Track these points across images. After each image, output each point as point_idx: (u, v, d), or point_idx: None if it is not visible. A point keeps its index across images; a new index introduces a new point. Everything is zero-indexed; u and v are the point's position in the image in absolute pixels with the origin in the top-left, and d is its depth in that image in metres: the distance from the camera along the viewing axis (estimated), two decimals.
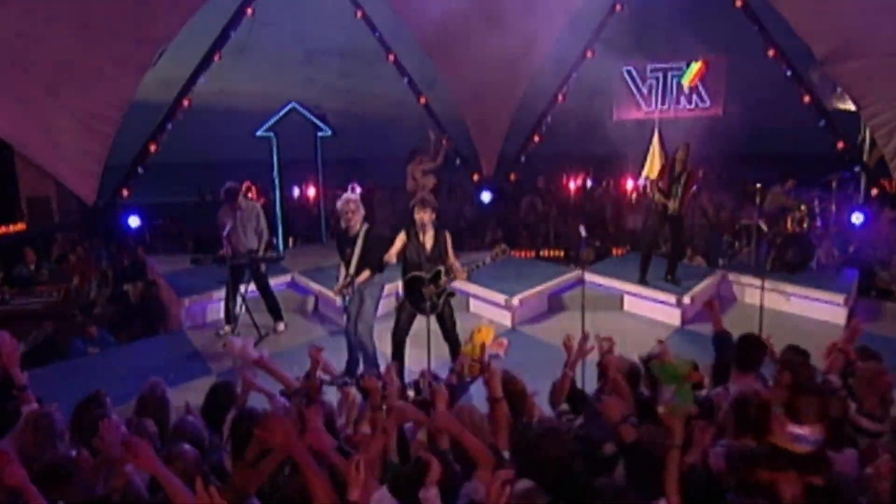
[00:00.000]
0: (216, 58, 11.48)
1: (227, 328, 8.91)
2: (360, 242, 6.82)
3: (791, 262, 9.80)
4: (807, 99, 12.04)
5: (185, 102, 11.50)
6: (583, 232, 6.96)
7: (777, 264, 9.83)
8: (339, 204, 6.87)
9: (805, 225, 9.91)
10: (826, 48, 11.28)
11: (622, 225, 14.25)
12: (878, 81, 11.00)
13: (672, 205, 9.03)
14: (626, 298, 9.53)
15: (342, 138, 13.05)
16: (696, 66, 12.59)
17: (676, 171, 9.09)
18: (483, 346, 5.07)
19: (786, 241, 9.81)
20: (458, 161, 14.62)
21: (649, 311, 9.19)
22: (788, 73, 12.00)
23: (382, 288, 7.13)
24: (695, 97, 12.69)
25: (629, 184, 14.36)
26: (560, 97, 13.89)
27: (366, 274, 6.84)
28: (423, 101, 13.99)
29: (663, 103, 12.95)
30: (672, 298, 8.93)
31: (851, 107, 12.04)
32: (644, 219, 10.46)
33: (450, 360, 6.86)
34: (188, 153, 18.19)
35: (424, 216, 6.68)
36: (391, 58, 13.48)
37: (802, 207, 10.01)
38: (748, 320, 7.74)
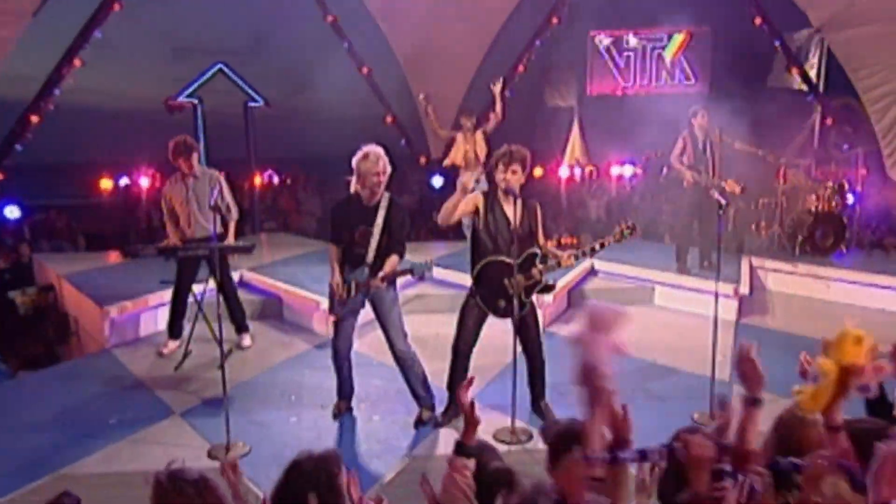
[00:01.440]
0: (78, 55, 9.66)
1: (173, 345, 6.63)
2: (381, 216, 4.83)
3: (821, 244, 8.72)
4: (794, 70, 11.12)
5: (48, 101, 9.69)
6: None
7: (807, 247, 8.73)
8: (357, 161, 4.84)
9: (834, 203, 8.83)
10: (824, 15, 10.39)
11: (573, 212, 12.98)
12: (876, 51, 10.21)
13: (705, 178, 7.76)
14: (659, 290, 8.03)
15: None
16: (678, 39, 11.42)
17: (699, 141, 7.87)
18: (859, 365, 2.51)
19: (816, 221, 8.69)
20: (403, 142, 12.78)
21: (690, 304, 7.74)
22: (777, 43, 11.02)
23: None
24: (678, 72, 11.49)
25: (578, 170, 13.11)
26: (521, 67, 12.31)
27: (394, 261, 4.89)
28: (365, 70, 12.07)
29: (643, 79, 11.67)
30: (725, 289, 7.49)
31: (799, 86, 11.28)
32: (674, 203, 9.01)
33: (528, 388, 5.07)
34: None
35: (511, 177, 4.79)
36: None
37: (830, 184, 8.93)
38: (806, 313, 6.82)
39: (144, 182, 11.33)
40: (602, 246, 4.90)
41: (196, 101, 9.61)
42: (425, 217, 12.64)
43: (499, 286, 4.86)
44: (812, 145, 11.13)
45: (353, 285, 4.90)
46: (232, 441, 4.77)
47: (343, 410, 5.27)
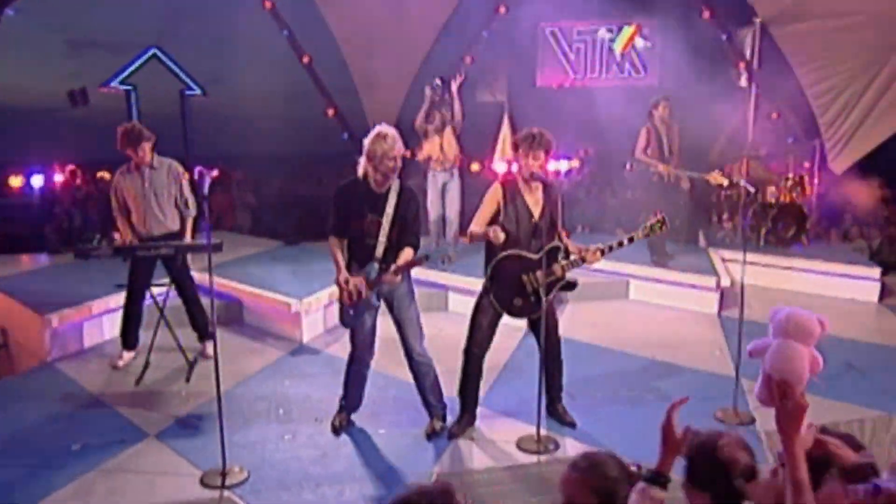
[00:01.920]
0: None
1: (128, 356, 5.93)
2: (392, 204, 4.36)
3: (783, 235, 8.82)
4: (741, 65, 11.23)
5: None
6: None
7: (771, 238, 8.80)
8: (370, 141, 4.32)
9: (795, 195, 8.94)
10: (771, 10, 10.49)
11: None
12: (821, 47, 10.39)
13: (670, 169, 7.90)
14: (634, 284, 7.87)
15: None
16: (628, 31, 11.34)
17: (661, 133, 8.00)
18: None
19: (778, 213, 8.78)
20: (345, 136, 12.19)
21: (668, 298, 7.61)
22: (724, 37, 11.09)
23: None
24: (628, 65, 11.41)
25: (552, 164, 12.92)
26: (469, 59, 11.95)
27: (408, 255, 4.41)
28: (306, 60, 11.41)
29: (593, 71, 11.53)
30: (707, 282, 7.41)
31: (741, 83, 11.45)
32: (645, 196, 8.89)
33: (543, 398, 4.72)
34: None
35: (533, 163, 4.41)
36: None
37: (790, 176, 9.04)
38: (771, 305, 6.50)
39: (58, 178, 10.36)
40: (630, 240, 4.59)
41: (129, 89, 8.72)
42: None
43: (516, 283, 4.48)
44: (746, 139, 11.27)
45: (364, 284, 4.39)
46: (227, 465, 4.18)
47: (344, 424, 4.76)
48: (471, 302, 7.00)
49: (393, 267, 4.31)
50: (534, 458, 4.33)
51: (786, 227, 8.86)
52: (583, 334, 6.60)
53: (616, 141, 9.34)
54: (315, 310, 6.65)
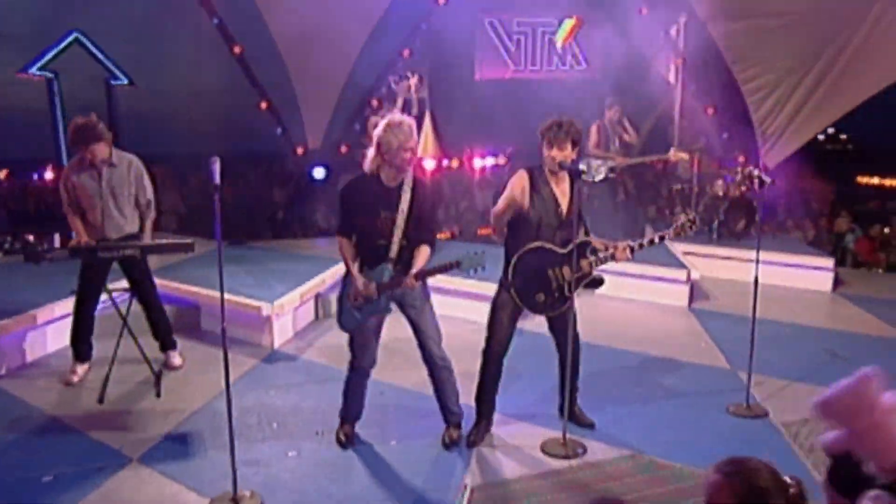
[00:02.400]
0: None
1: (82, 369, 5.35)
2: (406, 199, 4.05)
3: (734, 227, 9.06)
4: (679, 62, 11.47)
5: None
6: None
7: (723, 231, 9.02)
8: (383, 131, 3.97)
9: (744, 188, 9.18)
10: (709, 7, 10.75)
11: (473, 205, 12.71)
12: (754, 45, 10.75)
13: (620, 160, 8.27)
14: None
15: None
16: (569, 24, 11.33)
17: (610, 132, 8.49)
18: None
19: (730, 206, 9.01)
20: (279, 131, 11.67)
21: (634, 292, 7.60)
22: (663, 33, 11.30)
23: None
24: (569, 58, 11.42)
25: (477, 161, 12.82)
26: (406, 52, 11.65)
27: (425, 254, 4.12)
28: (237, 50, 10.79)
29: (534, 63, 11.48)
30: (677, 274, 7.46)
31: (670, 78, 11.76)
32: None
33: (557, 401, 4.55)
34: None
35: (558, 154, 4.18)
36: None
37: (739, 169, 9.28)
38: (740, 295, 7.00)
39: None
40: (661, 238, 4.45)
41: (51, 76, 7.88)
42: (302, 212, 11.68)
43: (539, 278, 4.25)
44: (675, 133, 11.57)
45: (371, 288, 4.05)
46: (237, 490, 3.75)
47: (350, 437, 4.40)
48: (449, 301, 6.91)
49: (413, 271, 3.99)
50: (565, 463, 4.12)
51: (736, 220, 9.09)
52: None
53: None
54: (286, 313, 6.21)
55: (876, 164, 13.46)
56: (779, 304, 7.44)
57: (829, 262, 8.04)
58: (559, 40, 11.46)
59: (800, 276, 8.10)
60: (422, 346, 4.23)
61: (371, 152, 4.07)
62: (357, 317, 4.13)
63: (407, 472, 4.07)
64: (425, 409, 4.81)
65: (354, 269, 4.08)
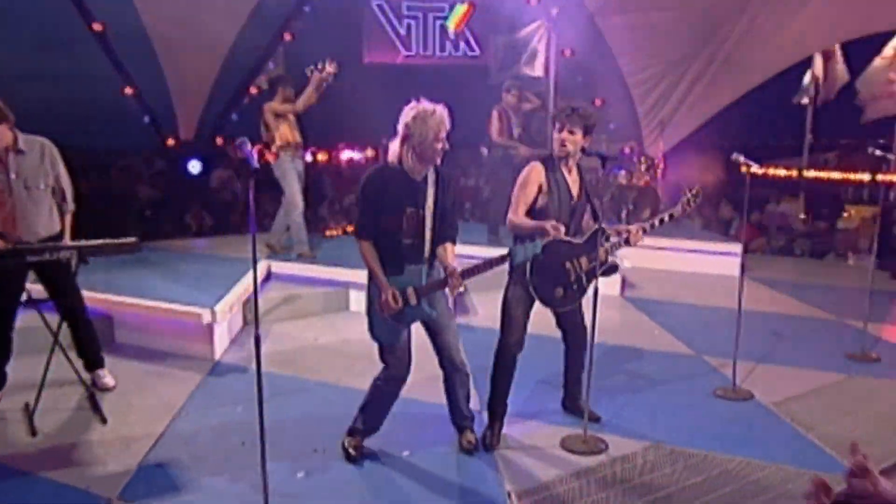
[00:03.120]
0: None
1: None
2: (432, 194, 3.86)
3: (641, 216, 9.53)
4: (567, 53, 11.88)
5: None
6: None
7: (631, 220, 9.45)
8: (413, 118, 3.70)
9: (648, 178, 9.68)
10: (597, 1, 11.22)
11: (342, 202, 12.47)
12: (639, 38, 11.35)
13: (524, 150, 8.24)
14: None
15: None
16: (461, 9, 11.38)
17: (512, 116, 8.41)
18: None
19: (638, 195, 9.46)
20: (146, 119, 10.76)
21: None
22: (550, 24, 11.64)
23: None
24: (462, 44, 11.46)
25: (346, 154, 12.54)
26: (288, 35, 11.15)
27: (453, 251, 3.96)
28: (98, 28, 9.79)
29: (425, 48, 11.40)
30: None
31: (538, 72, 12.27)
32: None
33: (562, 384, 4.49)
34: None
35: (568, 137, 4.13)
36: None
37: (642, 159, 9.77)
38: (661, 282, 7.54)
39: None
40: (671, 217, 4.54)
41: None
42: (177, 210, 10.87)
43: (558, 272, 4.19)
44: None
45: (408, 293, 3.79)
46: None
47: (360, 450, 4.11)
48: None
49: (456, 268, 3.78)
50: (593, 460, 4.10)
51: (642, 208, 9.56)
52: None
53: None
54: (224, 319, 5.71)
55: (757, 154, 14.71)
56: (704, 290, 7.94)
57: (738, 248, 8.65)
58: (451, 26, 11.46)
59: (710, 262, 8.66)
60: (443, 350, 4.01)
61: (396, 143, 3.81)
62: (398, 328, 3.85)
63: (436, 482, 3.86)
64: (426, 415, 4.65)
65: (380, 274, 3.79)
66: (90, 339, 4.93)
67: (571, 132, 4.13)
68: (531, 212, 4.17)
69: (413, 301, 3.79)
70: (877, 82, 11.69)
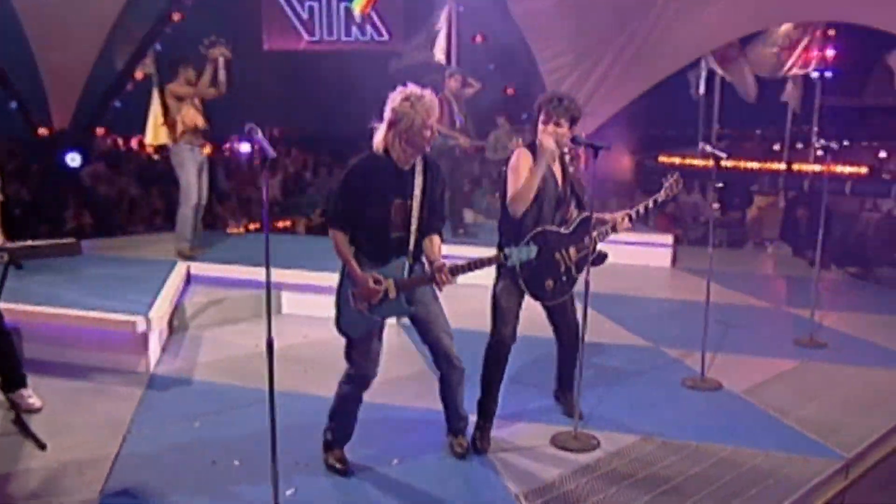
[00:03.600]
0: None
1: None
2: (419, 184, 3.87)
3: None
4: (479, 39, 12.11)
5: None
6: None
7: None
8: (401, 102, 3.67)
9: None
10: None
11: (242, 193, 12.24)
12: (552, 24, 11.71)
13: (464, 141, 8.52)
14: None
15: None
16: None
17: (454, 105, 8.48)
18: None
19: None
20: (13, 105, 10.07)
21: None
22: (461, 8, 11.79)
23: None
24: (370, 28, 11.40)
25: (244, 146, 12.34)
26: (177, 16, 10.73)
27: (440, 244, 3.95)
28: None
29: (330, 33, 11.26)
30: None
31: (438, 57, 12.50)
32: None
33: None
34: None
35: (557, 131, 4.20)
36: None
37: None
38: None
39: None
40: (655, 203, 4.72)
41: None
42: (50, 210, 10.24)
43: (548, 264, 4.27)
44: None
45: (388, 285, 3.76)
46: None
47: (346, 462, 4.04)
48: (311, 300, 6.58)
49: (444, 264, 3.77)
50: (590, 457, 4.21)
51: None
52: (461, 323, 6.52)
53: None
54: (159, 327, 5.45)
55: (675, 144, 15.54)
56: (638, 281, 8.29)
57: (669, 239, 9.09)
58: (356, 9, 11.35)
59: (640, 254, 9.05)
60: (434, 346, 3.99)
61: (382, 129, 3.77)
62: (370, 321, 3.79)
63: (438, 489, 3.85)
64: (408, 420, 4.65)
65: (358, 268, 3.73)
66: (8, 355, 4.57)
67: (558, 125, 4.21)
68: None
69: (392, 294, 3.76)
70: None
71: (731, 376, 5.46)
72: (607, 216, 4.59)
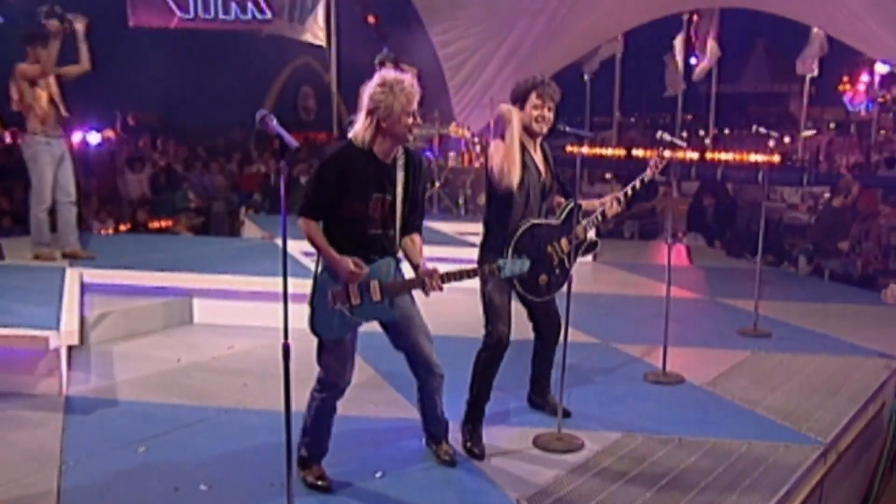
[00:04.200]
0: None
1: None
2: (401, 178, 3.89)
3: (479, 202, 10.09)
4: (371, 19, 12.18)
5: None
6: None
7: (470, 206, 9.99)
8: (378, 88, 3.67)
9: (482, 161, 10.23)
10: None
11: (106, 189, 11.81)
12: (452, 8, 11.96)
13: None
14: None
15: None
16: None
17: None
18: None
19: (476, 179, 10.01)
20: None
21: None
22: None
23: None
24: (251, 5, 11.19)
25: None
26: None
27: (420, 244, 4.02)
28: None
29: (206, 11, 10.97)
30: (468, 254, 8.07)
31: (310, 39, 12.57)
32: None
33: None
34: None
35: (549, 115, 4.36)
36: None
37: (476, 140, 10.33)
38: None
39: None
40: (642, 182, 4.93)
41: None
42: None
43: (540, 258, 4.38)
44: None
45: (372, 287, 3.77)
46: None
47: (327, 478, 4.01)
48: (227, 307, 6.46)
49: (430, 268, 3.84)
50: (579, 457, 4.38)
51: (479, 192, 10.08)
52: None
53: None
54: (69, 342, 5.19)
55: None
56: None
57: (591, 234, 9.46)
58: None
59: None
60: (413, 352, 4.02)
61: (360, 118, 3.77)
62: (349, 322, 3.79)
63: (433, 501, 3.90)
64: (378, 431, 4.66)
65: (335, 253, 3.71)
66: None
67: (550, 109, 4.38)
68: (503, 197, 4.35)
69: (376, 297, 3.79)
70: None
71: (689, 369, 5.79)
72: (596, 203, 4.78)
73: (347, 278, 3.71)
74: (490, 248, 4.42)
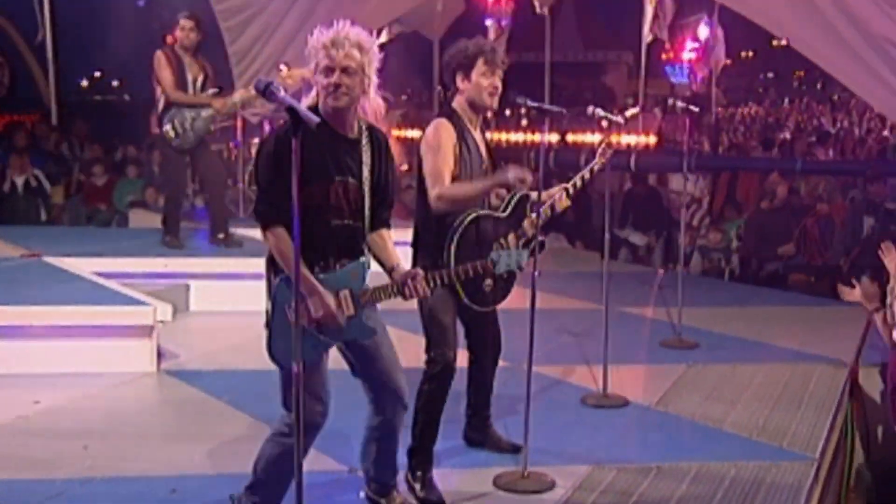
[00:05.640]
0: None
1: None
2: (367, 157, 3.95)
3: None
4: None
5: None
6: None
7: None
8: (314, 40, 3.72)
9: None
10: None
11: None
12: None
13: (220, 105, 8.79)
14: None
15: None
16: None
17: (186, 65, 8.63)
18: None
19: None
20: None
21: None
22: None
23: None
24: None
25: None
26: None
27: (391, 240, 4.11)
28: None
29: None
30: None
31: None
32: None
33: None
34: None
35: (485, 83, 4.58)
36: None
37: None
38: None
39: None
40: (592, 172, 5.29)
41: None
42: None
43: (486, 258, 4.60)
44: None
45: (342, 298, 3.82)
46: None
47: None
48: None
49: (428, 276, 3.96)
50: (556, 495, 4.68)
51: None
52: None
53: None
54: None
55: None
56: None
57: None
58: None
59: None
60: (386, 378, 4.09)
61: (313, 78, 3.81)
62: (322, 345, 3.84)
63: None
64: (310, 487, 4.67)
65: (307, 271, 3.69)
66: None
67: (500, 77, 4.64)
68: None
69: (349, 311, 3.83)
70: None
71: (627, 389, 6.30)
72: (544, 193, 5.03)
73: (323, 318, 3.74)
74: (426, 246, 4.58)
